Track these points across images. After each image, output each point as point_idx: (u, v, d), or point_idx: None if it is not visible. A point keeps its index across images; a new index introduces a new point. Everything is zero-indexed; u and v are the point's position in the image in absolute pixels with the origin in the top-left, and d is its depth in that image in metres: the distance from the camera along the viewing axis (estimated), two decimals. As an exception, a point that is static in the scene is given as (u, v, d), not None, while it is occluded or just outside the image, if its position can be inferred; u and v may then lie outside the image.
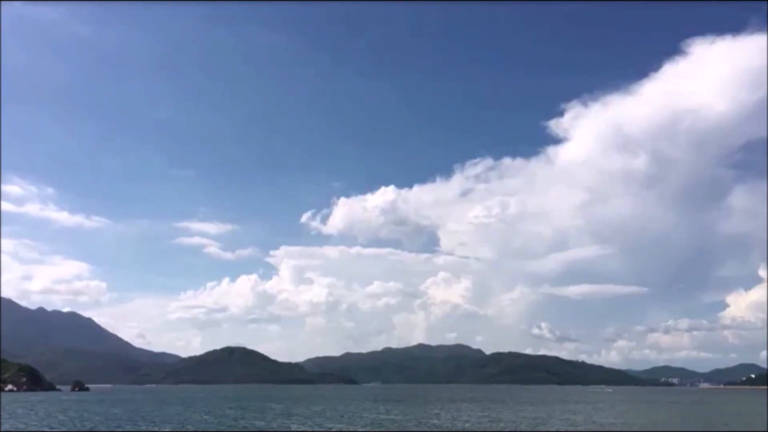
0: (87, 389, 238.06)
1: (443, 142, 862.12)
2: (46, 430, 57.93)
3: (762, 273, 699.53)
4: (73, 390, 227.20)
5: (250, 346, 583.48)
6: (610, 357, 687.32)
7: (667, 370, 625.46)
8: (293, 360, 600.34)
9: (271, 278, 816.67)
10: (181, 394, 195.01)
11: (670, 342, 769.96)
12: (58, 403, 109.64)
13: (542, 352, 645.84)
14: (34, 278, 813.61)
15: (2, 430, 58.77)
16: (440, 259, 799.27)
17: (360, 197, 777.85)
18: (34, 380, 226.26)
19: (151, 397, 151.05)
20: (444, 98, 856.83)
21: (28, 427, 60.39)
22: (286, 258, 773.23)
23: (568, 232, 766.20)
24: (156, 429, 59.55)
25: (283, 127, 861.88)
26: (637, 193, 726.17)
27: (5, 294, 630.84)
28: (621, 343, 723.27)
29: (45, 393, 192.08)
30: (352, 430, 59.41)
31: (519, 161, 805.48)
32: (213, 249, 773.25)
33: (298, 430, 58.74)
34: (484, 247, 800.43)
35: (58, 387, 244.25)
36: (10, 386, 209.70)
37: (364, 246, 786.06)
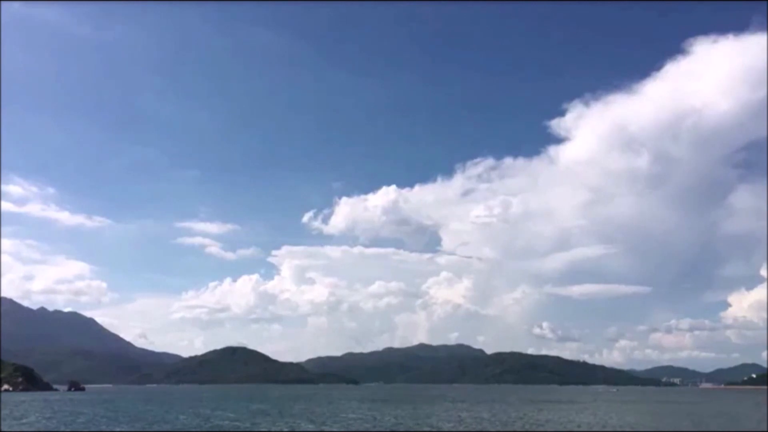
0: (83, 389, 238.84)
1: (444, 142, 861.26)
2: None
3: (764, 273, 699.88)
4: (69, 390, 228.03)
5: (252, 346, 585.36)
6: (612, 357, 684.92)
7: (670, 370, 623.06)
8: (295, 360, 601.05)
9: (272, 278, 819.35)
10: (161, 395, 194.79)
11: (673, 342, 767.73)
12: (17, 404, 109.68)
13: (544, 351, 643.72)
14: (36, 278, 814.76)
15: None
16: (442, 259, 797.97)
17: (361, 197, 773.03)
18: (30, 380, 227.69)
19: (130, 398, 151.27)
20: (445, 98, 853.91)
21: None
22: (287, 258, 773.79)
23: (570, 231, 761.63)
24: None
25: (285, 127, 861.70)
26: (640, 192, 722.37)
27: (7, 294, 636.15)
28: (623, 342, 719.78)
29: (38, 393, 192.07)
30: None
31: (521, 161, 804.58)
32: (214, 249, 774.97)
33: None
34: (487, 246, 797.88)
35: (55, 387, 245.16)
36: (6, 386, 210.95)
37: (366, 246, 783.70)
